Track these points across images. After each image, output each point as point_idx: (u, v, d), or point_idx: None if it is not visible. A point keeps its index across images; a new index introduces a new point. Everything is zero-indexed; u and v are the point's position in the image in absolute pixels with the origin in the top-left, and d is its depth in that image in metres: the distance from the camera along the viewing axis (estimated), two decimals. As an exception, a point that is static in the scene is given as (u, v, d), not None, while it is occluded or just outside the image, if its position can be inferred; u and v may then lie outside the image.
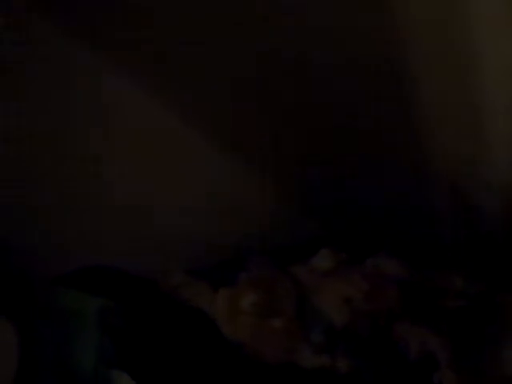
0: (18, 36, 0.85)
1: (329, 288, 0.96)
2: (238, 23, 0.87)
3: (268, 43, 0.89)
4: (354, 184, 1.08)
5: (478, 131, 0.94)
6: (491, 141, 0.94)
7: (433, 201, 1.03)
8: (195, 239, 1.01)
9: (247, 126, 1.01)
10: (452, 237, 1.04)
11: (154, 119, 0.98)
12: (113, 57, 0.92)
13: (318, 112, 1.00)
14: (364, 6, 0.83)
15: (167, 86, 0.96)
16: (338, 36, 0.87)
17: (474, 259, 1.03)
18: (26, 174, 0.93)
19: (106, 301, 0.80)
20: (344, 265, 1.03)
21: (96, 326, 0.77)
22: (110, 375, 0.76)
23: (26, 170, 0.93)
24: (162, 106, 0.97)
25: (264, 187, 1.10)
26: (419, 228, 1.04)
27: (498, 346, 0.90)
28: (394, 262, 1.04)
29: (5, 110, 0.88)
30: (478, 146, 0.96)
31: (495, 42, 0.84)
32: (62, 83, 0.91)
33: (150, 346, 0.82)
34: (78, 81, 0.92)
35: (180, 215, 1.02)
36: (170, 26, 0.88)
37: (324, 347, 0.91)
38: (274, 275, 0.99)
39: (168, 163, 1.01)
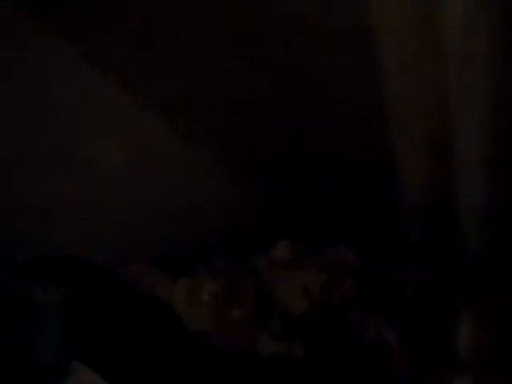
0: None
1: (287, 279, 0.99)
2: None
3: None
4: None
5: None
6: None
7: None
8: (157, 227, 1.02)
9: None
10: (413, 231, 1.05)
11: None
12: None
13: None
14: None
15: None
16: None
17: (427, 250, 1.06)
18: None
19: (67, 292, 0.79)
20: (302, 256, 1.06)
21: (57, 317, 0.76)
22: (70, 367, 0.76)
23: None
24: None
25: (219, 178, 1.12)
26: (382, 221, 1.07)
27: (449, 328, 0.94)
28: (350, 253, 1.07)
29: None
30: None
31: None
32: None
33: (110, 337, 0.82)
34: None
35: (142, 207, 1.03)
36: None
37: (282, 335, 0.94)
38: (232, 266, 1.01)
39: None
